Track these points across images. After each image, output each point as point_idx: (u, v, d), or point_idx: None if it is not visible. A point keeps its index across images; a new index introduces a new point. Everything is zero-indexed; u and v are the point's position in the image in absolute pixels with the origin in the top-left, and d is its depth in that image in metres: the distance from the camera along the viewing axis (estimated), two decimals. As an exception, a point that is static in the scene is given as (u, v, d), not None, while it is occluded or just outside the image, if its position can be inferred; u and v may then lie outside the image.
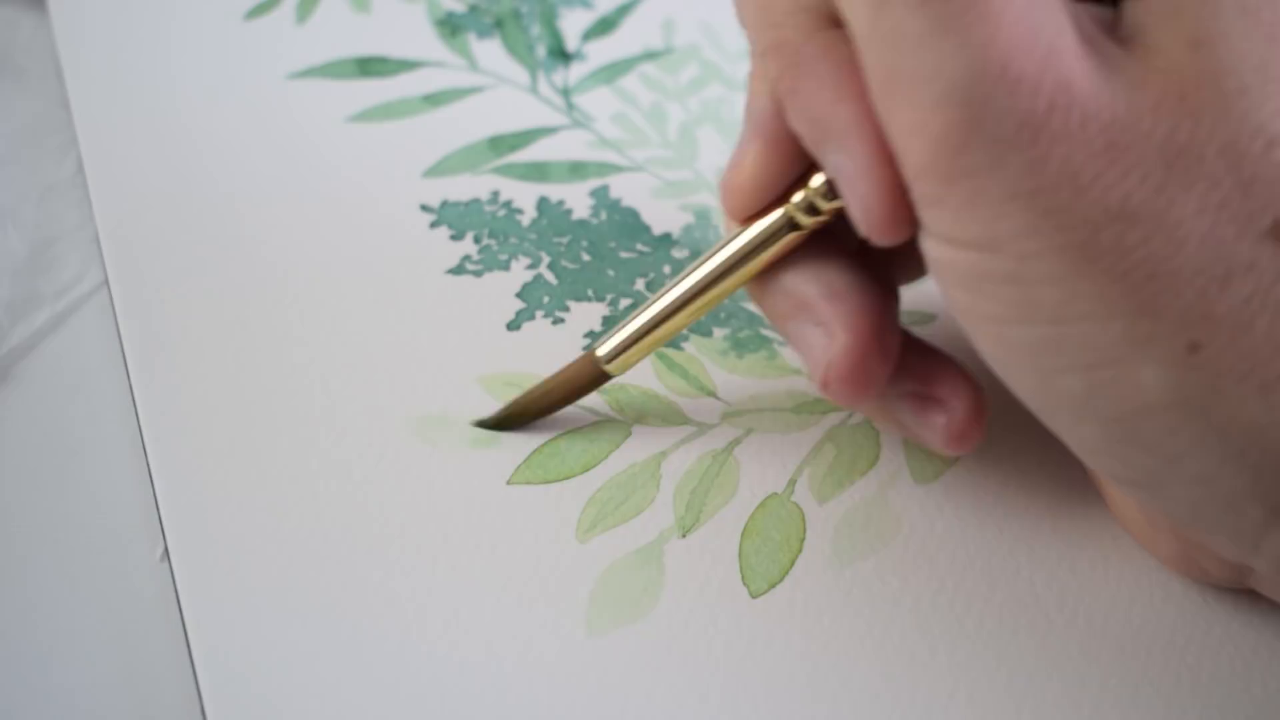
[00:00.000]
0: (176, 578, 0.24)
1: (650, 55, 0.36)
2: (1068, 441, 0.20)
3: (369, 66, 0.36)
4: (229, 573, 0.24)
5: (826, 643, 0.24)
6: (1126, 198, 0.17)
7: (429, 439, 0.27)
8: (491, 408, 0.27)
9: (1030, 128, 0.17)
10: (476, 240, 0.31)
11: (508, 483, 0.26)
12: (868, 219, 0.19)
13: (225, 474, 0.26)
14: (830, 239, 0.23)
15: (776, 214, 0.22)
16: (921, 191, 0.18)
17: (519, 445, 0.27)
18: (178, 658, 0.24)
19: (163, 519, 0.25)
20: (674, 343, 0.29)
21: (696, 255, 0.31)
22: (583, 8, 0.38)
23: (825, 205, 0.22)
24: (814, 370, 0.22)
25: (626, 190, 0.33)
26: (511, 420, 0.27)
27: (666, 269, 0.31)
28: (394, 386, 0.28)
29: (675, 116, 0.35)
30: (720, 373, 0.28)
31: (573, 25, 0.37)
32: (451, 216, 0.32)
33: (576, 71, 0.36)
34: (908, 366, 0.23)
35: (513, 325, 0.29)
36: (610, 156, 0.33)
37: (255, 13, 0.37)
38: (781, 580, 0.25)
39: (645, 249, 0.31)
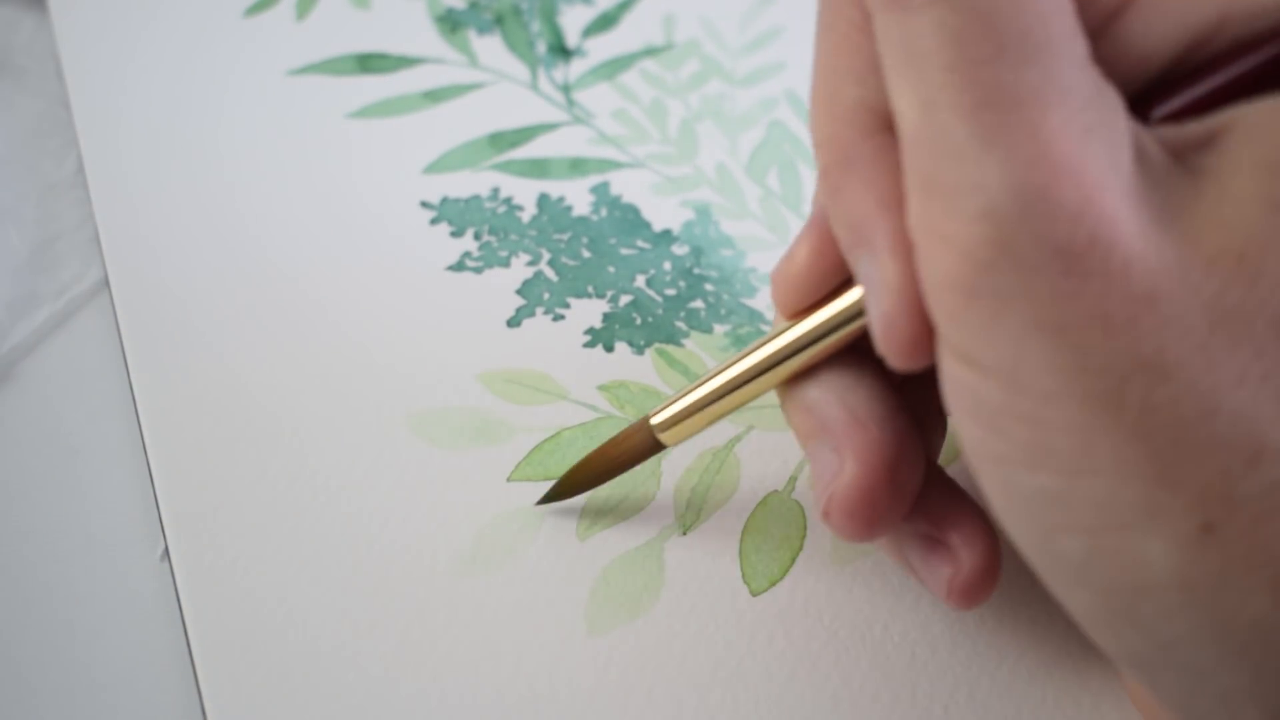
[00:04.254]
0: (176, 578, 0.24)
1: (650, 51, 0.36)
2: (1063, 603, 0.18)
3: (369, 63, 0.35)
4: (229, 573, 0.24)
5: (827, 641, 0.24)
6: (1161, 350, 0.15)
7: (429, 436, 0.27)
8: (491, 405, 0.27)
9: (1065, 258, 0.15)
10: (477, 237, 0.31)
11: (508, 480, 0.26)
12: (886, 337, 0.18)
13: (225, 474, 0.26)
14: (871, 360, 0.21)
15: (818, 318, 0.21)
16: (941, 303, 0.17)
17: (519, 442, 0.27)
18: (178, 658, 0.24)
19: (163, 519, 0.25)
20: (674, 339, 0.29)
21: (696, 251, 0.31)
22: (583, 4, 0.38)
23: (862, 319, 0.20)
24: (817, 497, 0.21)
25: (627, 186, 0.32)
26: (564, 490, 0.25)
27: (667, 265, 0.31)
28: (394, 383, 0.28)
29: (675, 112, 0.35)
30: (721, 369, 0.28)
31: (573, 21, 0.37)
32: (452, 213, 0.31)
33: (577, 67, 0.36)
34: (923, 504, 0.21)
35: (513, 322, 0.29)
36: (610, 153, 0.33)
37: (254, 10, 0.37)
38: (782, 578, 0.25)
39: (645, 245, 0.31)
